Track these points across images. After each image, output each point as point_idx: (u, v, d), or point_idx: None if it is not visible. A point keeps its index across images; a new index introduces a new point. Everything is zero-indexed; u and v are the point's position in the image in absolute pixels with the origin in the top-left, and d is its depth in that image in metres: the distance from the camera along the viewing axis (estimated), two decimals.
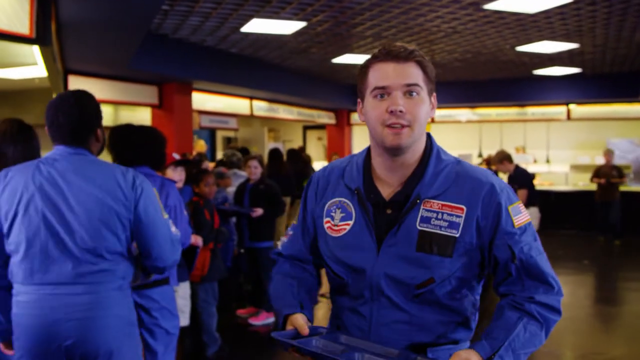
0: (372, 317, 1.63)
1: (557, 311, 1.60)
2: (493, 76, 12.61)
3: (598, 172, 11.10)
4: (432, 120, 14.78)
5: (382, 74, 1.56)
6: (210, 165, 9.05)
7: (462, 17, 7.37)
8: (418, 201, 1.58)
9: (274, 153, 8.37)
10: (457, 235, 1.56)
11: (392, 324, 1.61)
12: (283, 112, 13.22)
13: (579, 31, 8.12)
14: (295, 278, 1.79)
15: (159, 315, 3.29)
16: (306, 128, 17.70)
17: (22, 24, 3.84)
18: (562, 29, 7.97)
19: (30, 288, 2.31)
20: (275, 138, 16.56)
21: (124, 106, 10.20)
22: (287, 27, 7.64)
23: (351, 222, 1.65)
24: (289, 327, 1.62)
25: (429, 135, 1.68)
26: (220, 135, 14.53)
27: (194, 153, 9.78)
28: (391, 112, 1.53)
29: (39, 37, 3.96)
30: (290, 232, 1.87)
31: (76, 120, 2.37)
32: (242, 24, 7.58)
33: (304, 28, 7.78)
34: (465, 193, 1.58)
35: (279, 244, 1.92)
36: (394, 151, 1.58)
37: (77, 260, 2.29)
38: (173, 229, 2.56)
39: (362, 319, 1.65)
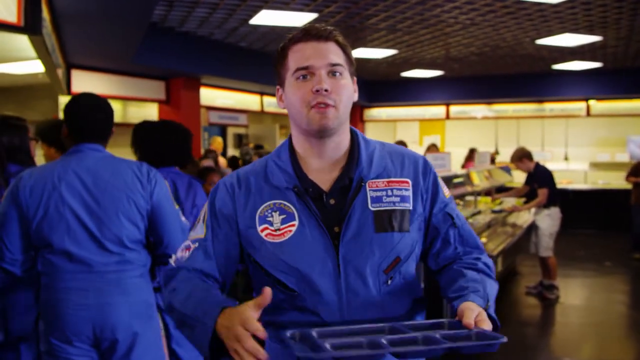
0: (342, 319, 1.50)
1: (493, 270, 1.64)
2: (510, 71, 12.27)
3: (636, 170, 9.68)
4: (447, 117, 14.49)
5: (304, 54, 1.49)
6: (223, 162, 8.83)
7: (481, 8, 7.04)
8: (362, 184, 1.54)
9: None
10: (410, 208, 1.56)
11: (363, 319, 1.47)
12: None
13: (603, 22, 7.76)
14: (210, 285, 1.53)
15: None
16: None
17: (10, 12, 3.57)
18: (586, 20, 7.61)
19: (61, 276, 2.45)
20: (286, 135, 16.18)
21: (132, 102, 9.95)
22: (298, 18, 7.34)
23: (295, 222, 1.52)
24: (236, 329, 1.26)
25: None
26: (231, 132, 14.27)
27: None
28: (316, 91, 1.46)
29: (28, 25, 3.69)
30: (194, 246, 1.59)
31: (105, 119, 2.59)
32: (250, 16, 7.30)
33: (315, 20, 7.48)
34: (406, 168, 1.60)
35: (172, 260, 1.62)
36: (321, 133, 1.51)
37: (104, 249, 2.46)
38: (183, 218, 2.74)
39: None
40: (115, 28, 5.87)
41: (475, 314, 1.37)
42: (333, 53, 1.51)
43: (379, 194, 1.55)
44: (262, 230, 1.53)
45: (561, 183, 12.59)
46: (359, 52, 9.75)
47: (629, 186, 10.07)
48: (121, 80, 8.59)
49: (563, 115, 13.69)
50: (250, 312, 1.29)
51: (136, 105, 10.23)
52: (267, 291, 1.30)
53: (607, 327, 6.05)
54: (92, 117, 2.56)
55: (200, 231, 1.62)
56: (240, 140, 14.09)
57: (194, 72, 8.90)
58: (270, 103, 12.04)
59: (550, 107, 13.64)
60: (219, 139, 10.66)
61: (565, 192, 11.78)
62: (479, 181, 7.28)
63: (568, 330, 5.98)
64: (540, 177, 7.09)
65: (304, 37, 1.52)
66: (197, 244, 1.59)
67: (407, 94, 14.05)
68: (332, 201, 1.54)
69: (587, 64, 11.18)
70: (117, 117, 10.28)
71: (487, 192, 8.67)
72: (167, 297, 1.54)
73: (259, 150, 10.03)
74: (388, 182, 1.57)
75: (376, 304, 1.51)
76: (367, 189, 1.54)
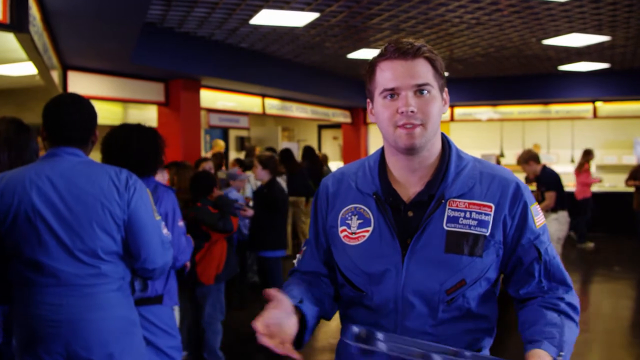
0: (397, 330, 1.54)
1: (579, 311, 1.60)
2: (516, 72, 12.08)
3: (636, 174, 9.72)
4: (451, 119, 14.31)
5: (391, 74, 1.50)
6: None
7: (486, 7, 6.86)
8: (443, 201, 1.53)
9: (284, 154, 8.29)
10: (487, 234, 1.52)
11: (419, 337, 1.50)
12: (296, 110, 12.77)
13: (612, 22, 7.58)
14: (306, 281, 1.69)
15: (149, 333, 3.01)
16: (321, 127, 17.26)
17: None
18: (595, 19, 7.43)
19: (32, 290, 2.32)
20: (289, 137, 16.18)
21: (133, 105, 9.80)
22: (299, 18, 7.18)
23: (370, 229, 1.57)
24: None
25: (444, 135, 1.63)
26: (233, 134, 14.13)
27: (210, 154, 9.42)
28: (402, 113, 1.48)
29: (14, 22, 3.53)
30: (304, 248, 1.77)
31: (83, 120, 2.44)
32: (251, 16, 7.13)
33: (316, 19, 7.31)
34: (492, 191, 1.55)
35: (295, 261, 1.80)
36: (409, 151, 1.53)
37: (77, 261, 2.31)
38: (165, 231, 2.56)
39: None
40: (109, 27, 5.69)
41: None
42: (420, 72, 1.50)
43: (457, 214, 1.53)
44: (342, 232, 1.62)
45: (567, 186, 12.39)
46: (362, 53, 9.58)
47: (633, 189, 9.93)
48: (119, 82, 8.41)
49: (569, 117, 13.53)
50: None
51: (137, 107, 10.07)
52: (273, 295, 1.43)
53: (618, 335, 5.87)
54: (68, 118, 2.40)
55: (311, 232, 1.75)
56: (242, 142, 13.95)
57: (194, 73, 8.73)
58: (271, 105, 11.87)
59: (556, 108, 13.47)
60: (221, 142, 10.51)
61: (571, 195, 11.59)
62: None
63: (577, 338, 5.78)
64: (547, 180, 6.90)
65: (392, 55, 1.51)
66: (305, 247, 1.75)
67: None
68: (410, 213, 1.55)
69: (594, 64, 10.99)
70: (117, 120, 10.19)
71: None
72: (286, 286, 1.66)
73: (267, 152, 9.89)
74: (470, 203, 1.54)
75: (431, 322, 1.53)
76: (447, 207, 1.54)
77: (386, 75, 1.51)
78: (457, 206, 1.53)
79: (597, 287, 7.90)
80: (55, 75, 6.77)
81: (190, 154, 8.72)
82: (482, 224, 1.52)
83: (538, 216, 1.59)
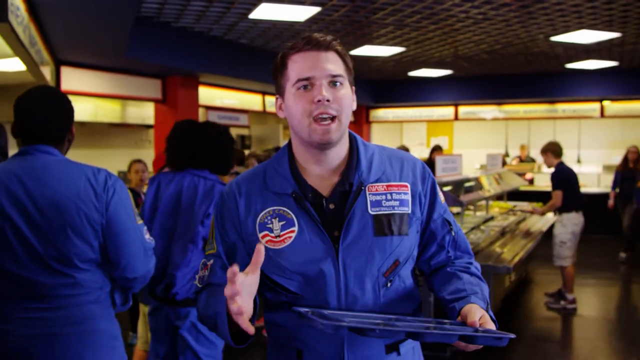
0: None
1: (481, 274, 1.68)
2: (522, 70, 11.82)
3: None
4: (455, 118, 14.08)
5: (305, 65, 1.51)
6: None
7: (494, 1, 6.61)
8: (362, 188, 1.56)
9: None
10: (409, 212, 1.59)
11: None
12: None
13: (624, 18, 7.33)
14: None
15: (191, 338, 3.09)
16: None
17: None
18: (606, 15, 7.18)
19: (3, 302, 2.11)
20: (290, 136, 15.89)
21: (131, 102, 9.57)
22: (300, 12, 6.94)
23: (295, 229, 1.54)
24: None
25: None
26: (233, 133, 13.81)
27: None
28: (318, 101, 1.48)
29: None
30: (210, 262, 1.64)
31: (58, 117, 2.25)
32: (250, 10, 6.89)
33: (318, 14, 7.07)
34: (404, 172, 1.63)
35: (195, 281, 1.69)
36: (323, 146, 1.54)
37: (49, 270, 2.10)
38: (147, 236, 2.37)
39: (330, 334, 1.48)
40: (99, 19, 5.46)
41: (478, 315, 1.41)
42: (333, 63, 1.52)
43: (378, 197, 1.57)
44: (263, 237, 1.55)
45: (584, 186, 12.12)
46: (365, 50, 9.33)
47: None
48: (115, 79, 8.18)
49: (576, 116, 13.28)
50: (240, 275, 1.31)
51: (136, 105, 9.85)
52: (261, 248, 1.35)
53: (626, 341, 5.63)
54: (41, 114, 2.19)
55: (211, 246, 1.66)
56: (243, 141, 13.73)
57: (191, 70, 8.50)
58: (272, 103, 11.63)
59: (563, 107, 13.22)
60: None
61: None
62: (489, 185, 6.91)
63: (584, 344, 5.55)
64: (555, 178, 6.65)
65: (304, 47, 1.52)
66: (212, 260, 1.64)
67: (414, 94, 13.60)
68: (331, 206, 1.55)
69: (602, 62, 10.73)
70: (115, 117, 9.98)
71: (499, 197, 8.33)
72: (197, 310, 1.61)
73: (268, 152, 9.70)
74: (387, 186, 1.59)
75: (375, 307, 1.54)
76: (367, 193, 1.57)
77: (300, 66, 1.51)
78: (376, 190, 1.58)
79: (605, 291, 7.65)
80: (46, 71, 6.54)
81: None
82: (403, 203, 1.58)
83: (440, 193, 1.70)
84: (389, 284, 1.56)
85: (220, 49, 8.72)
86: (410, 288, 1.62)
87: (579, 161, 13.45)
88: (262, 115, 12.57)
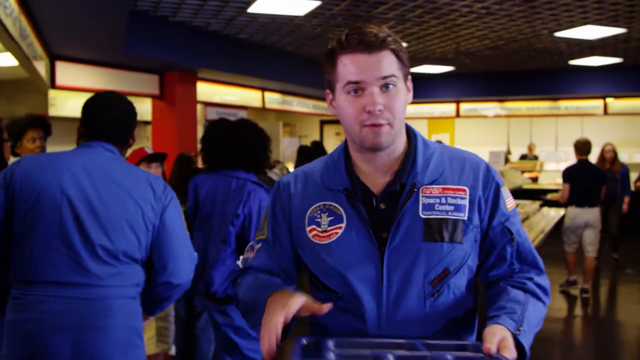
0: (381, 332, 1.46)
1: (549, 294, 1.56)
2: (524, 67, 11.69)
3: None
4: (457, 115, 13.95)
5: (354, 68, 1.42)
6: None
7: None
8: (415, 189, 1.48)
9: (302, 150, 8.18)
10: (465, 218, 1.48)
11: (405, 333, 1.43)
12: (297, 104, 12.41)
13: (630, 13, 7.19)
14: (270, 277, 1.58)
15: (233, 333, 3.14)
16: (323, 122, 16.89)
17: None
18: (612, 9, 7.04)
19: (37, 289, 2.12)
20: (290, 133, 15.80)
21: (131, 98, 9.38)
22: (299, 6, 6.81)
23: (343, 225, 1.49)
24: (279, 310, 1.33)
25: (407, 124, 1.59)
26: None
27: None
28: (369, 112, 1.42)
29: None
30: (258, 246, 1.63)
31: (124, 120, 2.38)
32: (248, 4, 6.76)
33: (318, 8, 6.93)
34: (464, 175, 1.52)
35: (239, 262, 1.67)
36: (375, 150, 1.48)
37: (96, 258, 2.15)
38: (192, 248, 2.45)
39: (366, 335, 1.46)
40: (93, 12, 5.32)
41: (498, 338, 1.29)
42: (385, 64, 1.43)
43: (431, 201, 1.48)
44: (310, 231, 1.53)
45: None
46: None
47: None
48: (111, 74, 8.03)
49: (579, 113, 13.18)
50: (298, 301, 1.33)
51: (134, 100, 9.66)
52: (325, 308, 1.33)
53: (633, 346, 5.50)
54: (108, 116, 2.34)
55: (262, 231, 1.64)
56: None
57: (189, 65, 8.37)
58: (272, 99, 11.51)
59: (566, 105, 13.10)
60: None
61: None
62: None
63: (587, 346, 5.43)
64: (565, 172, 7.05)
65: (355, 48, 1.42)
66: (260, 245, 1.62)
67: (415, 91, 12.69)
68: (382, 206, 1.49)
69: (606, 59, 10.60)
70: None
71: None
72: (234, 291, 1.60)
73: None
74: (443, 189, 1.50)
75: (419, 317, 1.46)
76: (420, 195, 1.49)
77: (349, 69, 1.43)
78: (430, 193, 1.49)
79: (607, 291, 7.53)
80: (41, 66, 6.42)
81: (186, 149, 8.34)
82: (458, 208, 1.48)
83: (508, 199, 1.56)
84: (436, 294, 1.46)
85: (219, 44, 8.58)
86: (462, 301, 1.51)
87: None
88: (261, 111, 12.44)
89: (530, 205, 8.05)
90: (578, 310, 6.47)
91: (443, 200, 1.48)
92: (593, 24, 7.78)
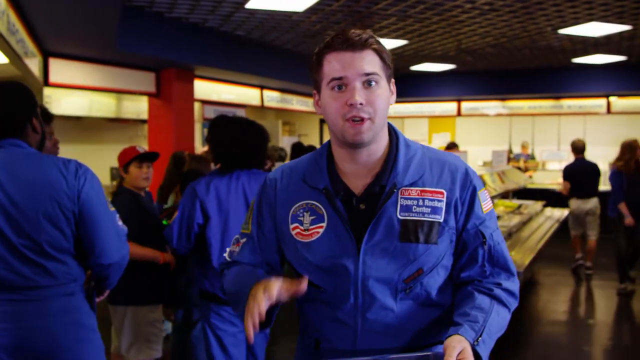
0: (357, 324, 1.54)
1: (517, 298, 1.60)
2: (527, 65, 11.52)
3: None
4: (458, 114, 13.79)
5: (338, 65, 1.50)
6: None
7: None
8: (395, 190, 1.54)
9: (296, 147, 8.23)
10: (441, 220, 1.54)
11: (382, 329, 1.54)
12: (297, 103, 12.24)
13: (636, 8, 7.03)
14: (256, 267, 1.68)
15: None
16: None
17: None
18: (618, 5, 6.88)
19: None
20: (290, 132, 15.64)
21: (127, 96, 9.26)
22: (298, 2, 6.64)
23: (324, 224, 1.56)
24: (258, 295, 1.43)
25: (390, 124, 1.64)
26: None
27: (207, 149, 8.89)
28: (351, 104, 1.48)
29: None
30: (243, 240, 1.71)
31: (7, 110, 2.30)
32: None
33: (317, 4, 6.77)
34: (443, 177, 1.57)
35: (225, 254, 1.75)
36: (356, 145, 1.53)
37: (22, 258, 2.15)
38: (120, 223, 2.45)
39: (346, 328, 1.56)
40: (84, 7, 5.15)
41: (457, 351, 1.34)
42: (368, 62, 1.50)
43: (409, 202, 1.54)
44: (293, 229, 1.59)
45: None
46: None
47: None
48: (106, 71, 7.87)
49: (581, 112, 12.97)
50: (278, 284, 1.43)
51: (131, 99, 9.55)
52: (303, 284, 1.42)
53: (636, 350, 5.36)
54: None
55: (247, 226, 1.71)
56: None
57: (186, 62, 8.20)
58: (271, 97, 11.34)
59: (568, 103, 12.92)
60: None
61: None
62: (492, 184, 6.64)
63: (592, 349, 5.28)
64: (564, 170, 8.27)
65: (340, 46, 1.50)
66: (245, 239, 1.70)
67: (416, 89, 13.27)
68: (362, 206, 1.55)
69: (609, 57, 10.43)
70: (110, 112, 9.68)
71: (504, 195, 8.07)
72: (222, 283, 1.69)
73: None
74: (421, 191, 1.55)
75: (393, 313, 1.53)
76: (399, 196, 1.54)
77: (334, 66, 1.51)
78: (409, 195, 1.54)
79: (611, 294, 7.37)
80: (33, 63, 6.26)
81: (183, 147, 8.18)
82: (435, 210, 1.53)
83: (485, 202, 1.61)
84: (408, 290, 1.53)
85: (217, 41, 8.42)
86: (435, 299, 1.57)
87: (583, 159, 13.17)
88: (260, 110, 12.27)
89: (533, 206, 7.92)
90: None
91: (420, 203, 1.54)
92: (598, 21, 7.61)
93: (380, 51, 1.53)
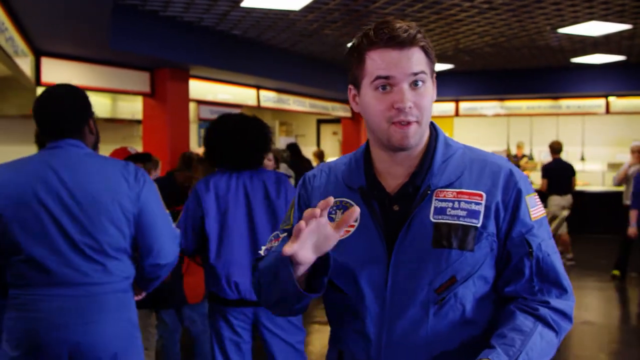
0: (381, 337, 1.42)
1: (570, 319, 1.44)
2: (525, 65, 11.44)
3: None
4: (456, 114, 13.72)
5: (384, 63, 1.39)
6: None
7: None
8: (429, 192, 1.44)
9: (291, 148, 8.44)
10: (478, 225, 1.40)
11: (409, 345, 1.40)
12: (294, 103, 12.13)
13: (637, 7, 6.94)
14: None
15: (280, 329, 3.15)
16: (320, 122, 16.64)
17: None
18: (618, 4, 6.79)
19: (33, 291, 2.22)
20: (287, 132, 15.59)
21: (122, 96, 9.15)
22: (294, 0, 6.54)
23: (355, 224, 1.48)
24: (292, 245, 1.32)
25: (431, 122, 1.52)
26: None
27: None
28: (398, 109, 1.39)
29: None
30: (282, 235, 1.61)
31: (66, 111, 2.35)
32: None
33: (314, 2, 6.67)
34: (483, 179, 1.45)
35: (262, 251, 1.66)
36: (401, 149, 1.45)
37: (83, 256, 2.24)
38: (173, 225, 2.53)
39: (370, 341, 1.44)
40: (73, 4, 5.04)
41: None
42: (416, 61, 1.41)
43: (444, 204, 1.44)
44: None
45: (577, 185, 11.82)
46: None
47: None
48: (99, 71, 7.75)
49: (580, 112, 12.93)
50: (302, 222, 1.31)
51: (126, 99, 9.43)
52: (330, 201, 1.31)
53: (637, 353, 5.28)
54: (55, 109, 2.34)
55: (288, 221, 1.64)
56: None
57: (181, 62, 8.08)
58: (267, 98, 11.24)
59: (567, 103, 12.86)
60: None
61: (581, 195, 11.01)
62: None
63: (588, 354, 5.19)
64: (542, 169, 9.34)
65: (387, 44, 1.40)
66: (285, 234, 1.61)
67: None
68: (395, 207, 1.47)
69: (608, 57, 10.35)
70: (106, 113, 9.58)
71: None
72: (253, 277, 1.57)
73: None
74: (458, 193, 1.45)
75: (422, 327, 1.41)
76: (434, 198, 1.45)
77: (379, 64, 1.41)
78: (444, 196, 1.44)
79: (610, 295, 7.32)
80: (25, 62, 6.15)
81: (178, 148, 8.10)
82: (472, 214, 1.42)
83: (534, 207, 1.47)
84: (440, 302, 1.40)
85: (212, 40, 8.31)
86: (470, 315, 1.42)
87: (582, 159, 13.14)
88: (256, 110, 12.17)
89: None
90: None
91: (456, 205, 1.43)
92: (599, 20, 7.53)
93: (427, 47, 1.45)
